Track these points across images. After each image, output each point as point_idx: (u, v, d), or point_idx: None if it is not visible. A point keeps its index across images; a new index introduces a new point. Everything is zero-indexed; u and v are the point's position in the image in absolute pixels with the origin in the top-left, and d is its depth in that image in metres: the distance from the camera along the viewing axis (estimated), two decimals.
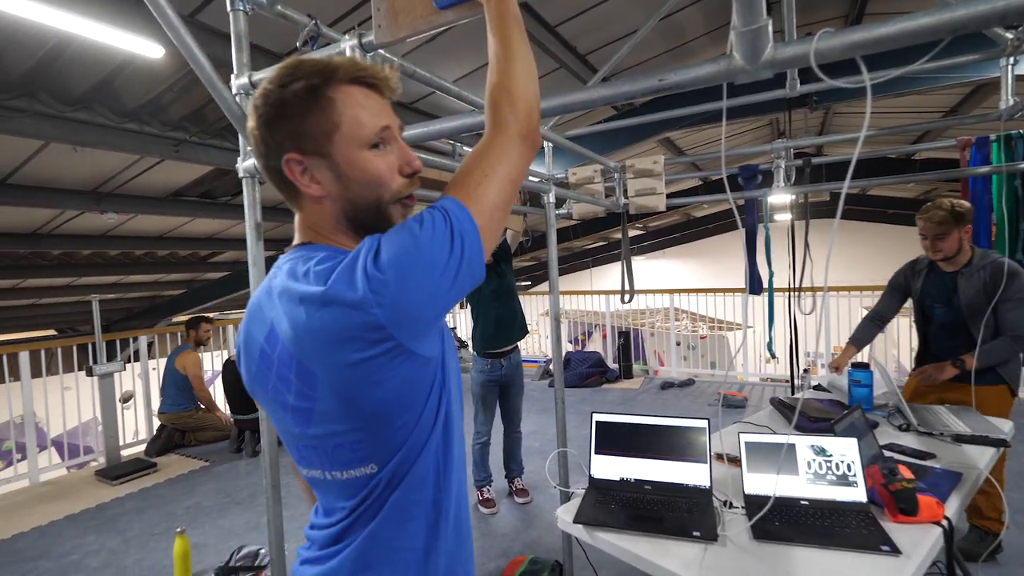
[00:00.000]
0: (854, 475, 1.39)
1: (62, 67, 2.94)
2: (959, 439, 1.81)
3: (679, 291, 6.36)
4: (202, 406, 4.32)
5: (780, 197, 3.17)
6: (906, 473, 1.36)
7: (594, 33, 3.83)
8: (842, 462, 1.41)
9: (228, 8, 1.34)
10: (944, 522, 1.26)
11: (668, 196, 2.79)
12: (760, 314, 5.69)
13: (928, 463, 1.65)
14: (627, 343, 5.81)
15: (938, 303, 2.25)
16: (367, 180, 0.67)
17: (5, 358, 3.88)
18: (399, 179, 0.69)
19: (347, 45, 1.24)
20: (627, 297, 3.10)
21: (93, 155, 3.81)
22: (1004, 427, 1.91)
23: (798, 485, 1.41)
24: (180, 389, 4.21)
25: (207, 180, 5.14)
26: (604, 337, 7.07)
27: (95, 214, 4.84)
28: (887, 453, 1.70)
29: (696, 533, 1.27)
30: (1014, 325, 2.05)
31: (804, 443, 1.46)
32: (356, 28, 1.23)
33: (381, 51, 1.27)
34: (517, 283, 3.22)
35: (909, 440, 1.84)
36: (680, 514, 1.36)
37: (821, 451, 1.44)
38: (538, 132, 0.72)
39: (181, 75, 3.21)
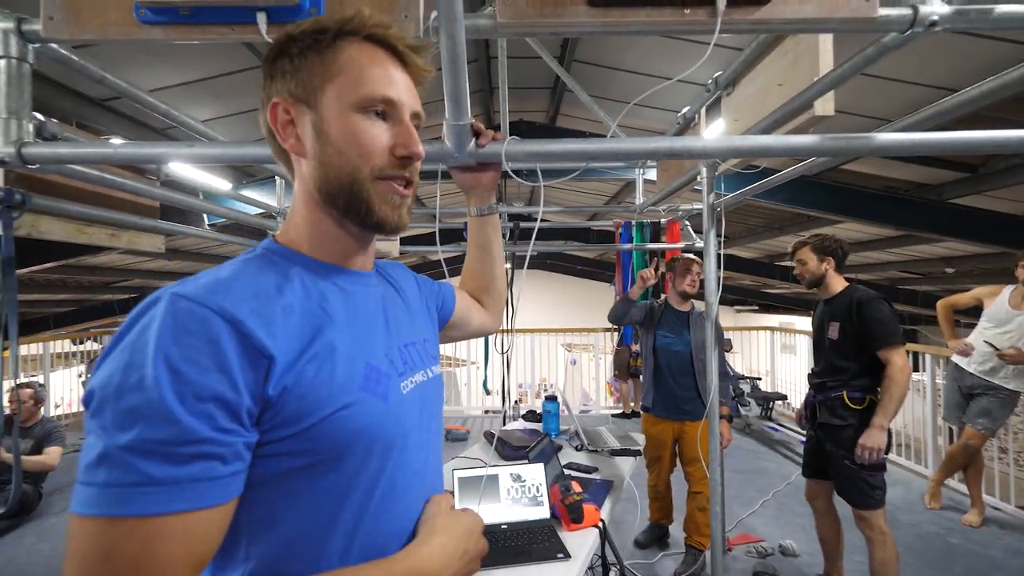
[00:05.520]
0: (541, 495, 1.66)
1: None
2: (612, 453, 2.33)
3: None
4: None
5: None
6: (577, 488, 1.69)
7: None
8: (533, 485, 1.67)
9: None
10: (600, 524, 1.61)
11: (402, 243, 2.93)
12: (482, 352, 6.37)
13: (592, 476, 2.08)
14: None
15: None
16: (346, 144, 0.58)
17: None
18: (386, 156, 0.59)
19: None
20: None
21: None
22: (640, 439, 2.56)
23: (500, 510, 1.61)
24: None
25: None
26: None
27: None
28: (567, 472, 2.09)
29: None
30: None
31: (506, 472, 1.68)
32: (16, 14, 0.97)
33: (53, 45, 1.03)
34: None
35: (582, 457, 2.29)
36: None
37: (518, 477, 1.67)
38: None
39: None
